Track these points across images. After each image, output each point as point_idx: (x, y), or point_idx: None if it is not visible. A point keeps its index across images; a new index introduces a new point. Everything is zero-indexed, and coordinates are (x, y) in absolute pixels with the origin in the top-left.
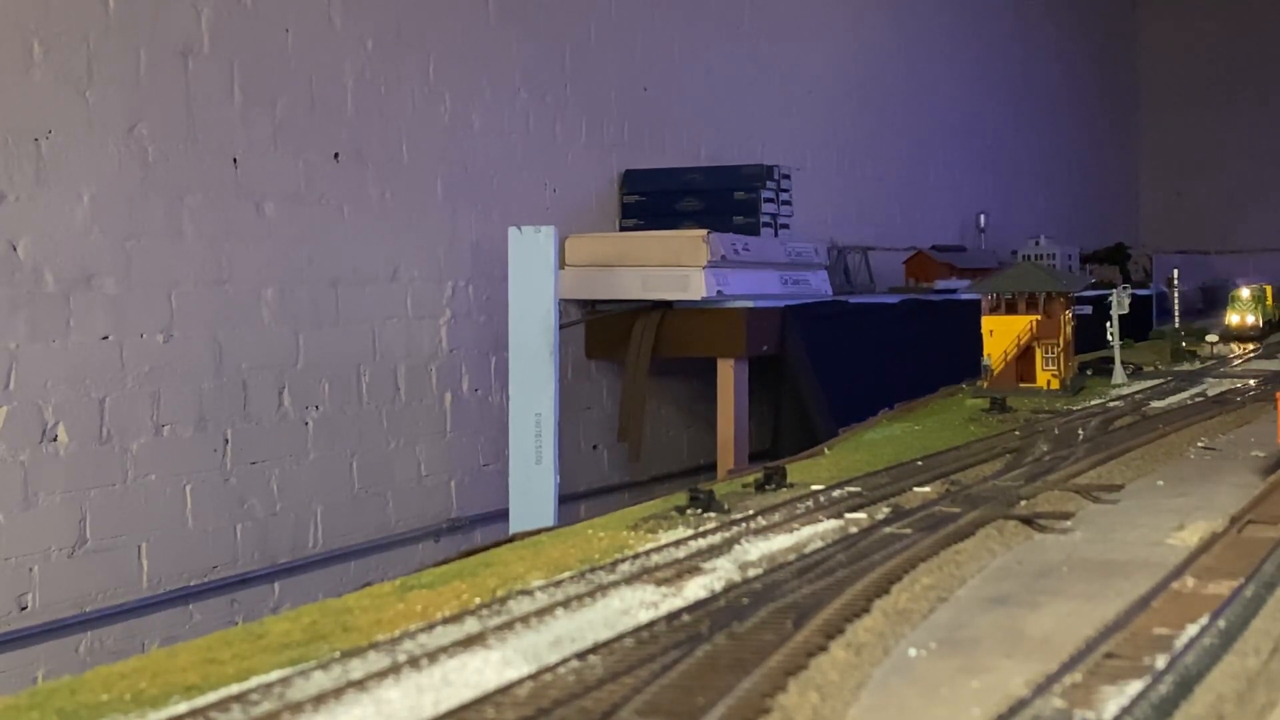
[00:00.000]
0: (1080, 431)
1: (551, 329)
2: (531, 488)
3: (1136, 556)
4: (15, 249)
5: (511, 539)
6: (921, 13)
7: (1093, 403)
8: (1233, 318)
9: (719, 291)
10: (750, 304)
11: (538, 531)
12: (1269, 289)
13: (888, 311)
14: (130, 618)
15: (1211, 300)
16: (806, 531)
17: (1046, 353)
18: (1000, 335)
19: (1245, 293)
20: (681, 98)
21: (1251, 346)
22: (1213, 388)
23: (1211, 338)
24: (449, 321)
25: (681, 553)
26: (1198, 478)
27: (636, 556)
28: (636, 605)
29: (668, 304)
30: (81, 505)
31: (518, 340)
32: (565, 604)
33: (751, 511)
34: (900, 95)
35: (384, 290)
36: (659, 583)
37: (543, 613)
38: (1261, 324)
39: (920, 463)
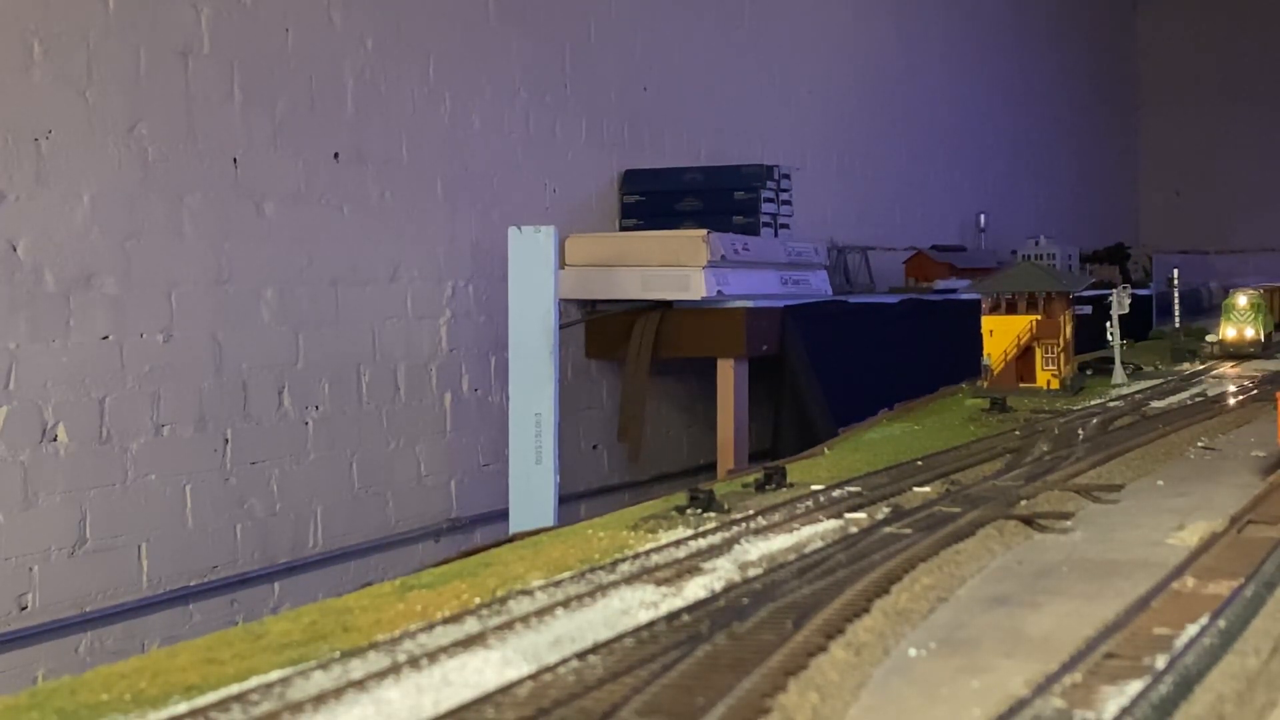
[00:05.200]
0: (1080, 431)
1: (551, 329)
2: (531, 488)
3: (1136, 556)
4: (15, 249)
5: (511, 539)
6: (921, 13)
7: (1093, 403)
8: (1229, 330)
9: (719, 291)
10: (750, 304)
11: (538, 531)
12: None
13: (888, 311)
14: (130, 618)
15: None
16: (806, 531)
17: (1046, 353)
18: (1000, 335)
19: (1242, 300)
20: (681, 98)
21: (1244, 371)
22: (1213, 388)
23: (1212, 337)
24: (449, 321)
25: (681, 553)
26: (1198, 478)
27: (636, 556)
28: (636, 605)
29: (668, 304)
30: (81, 505)
31: (518, 340)
32: (565, 604)
33: (751, 511)
34: (900, 95)
35: (384, 290)
36: (659, 583)
37: (543, 613)
38: (1263, 337)
39: (920, 463)
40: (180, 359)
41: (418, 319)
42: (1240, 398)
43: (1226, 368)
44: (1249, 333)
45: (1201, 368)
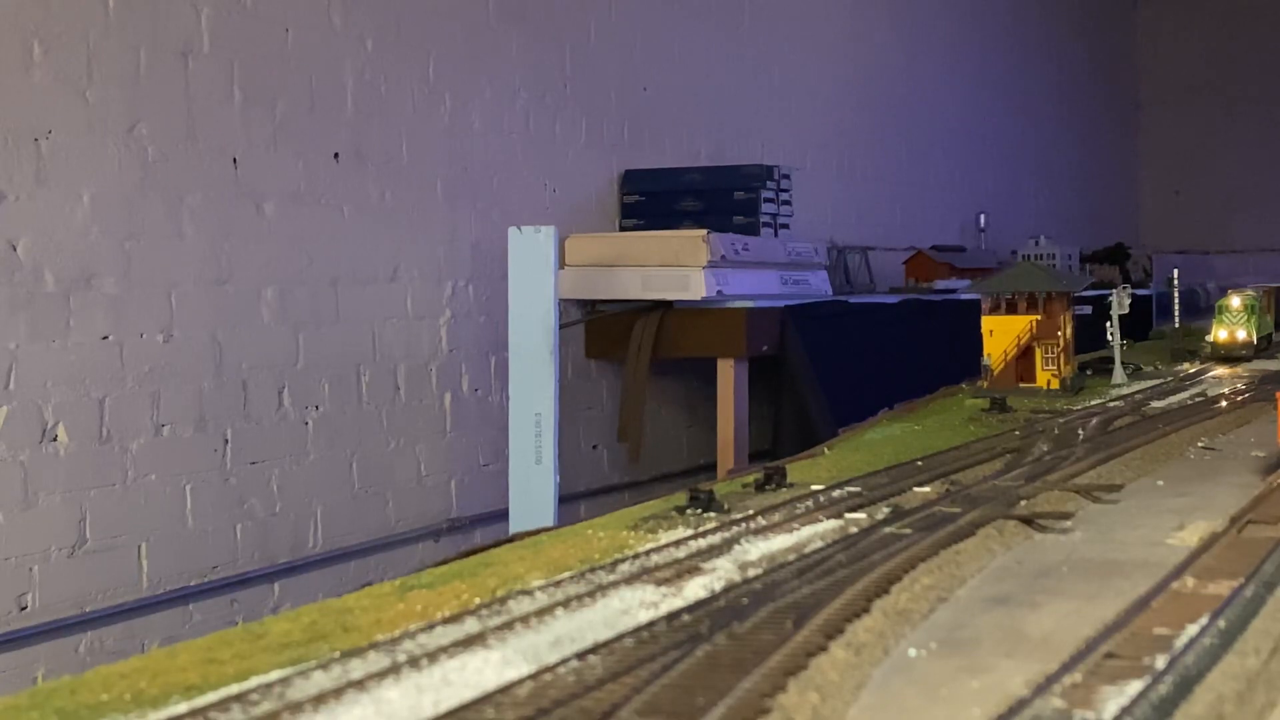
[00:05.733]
0: (1080, 431)
1: (551, 329)
2: (531, 488)
3: (1136, 556)
4: (15, 249)
5: (511, 539)
6: (921, 13)
7: (1093, 403)
8: (1220, 333)
9: (719, 291)
10: (750, 304)
11: (538, 531)
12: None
13: (888, 311)
14: (130, 618)
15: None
16: (806, 531)
17: (1046, 353)
18: (1000, 335)
19: (1236, 301)
20: (681, 98)
21: (1242, 372)
22: (1213, 388)
23: (1210, 338)
24: (449, 321)
25: (681, 553)
26: (1198, 478)
27: (636, 556)
28: (636, 605)
29: (668, 304)
30: (81, 505)
31: (518, 340)
32: (565, 604)
33: (751, 511)
34: (900, 95)
35: (384, 290)
36: (659, 583)
37: (543, 613)
38: (1255, 340)
39: (920, 463)
40: (180, 359)
41: (418, 319)
42: (1240, 398)
43: (1223, 369)
44: (1240, 335)
45: (1200, 368)
